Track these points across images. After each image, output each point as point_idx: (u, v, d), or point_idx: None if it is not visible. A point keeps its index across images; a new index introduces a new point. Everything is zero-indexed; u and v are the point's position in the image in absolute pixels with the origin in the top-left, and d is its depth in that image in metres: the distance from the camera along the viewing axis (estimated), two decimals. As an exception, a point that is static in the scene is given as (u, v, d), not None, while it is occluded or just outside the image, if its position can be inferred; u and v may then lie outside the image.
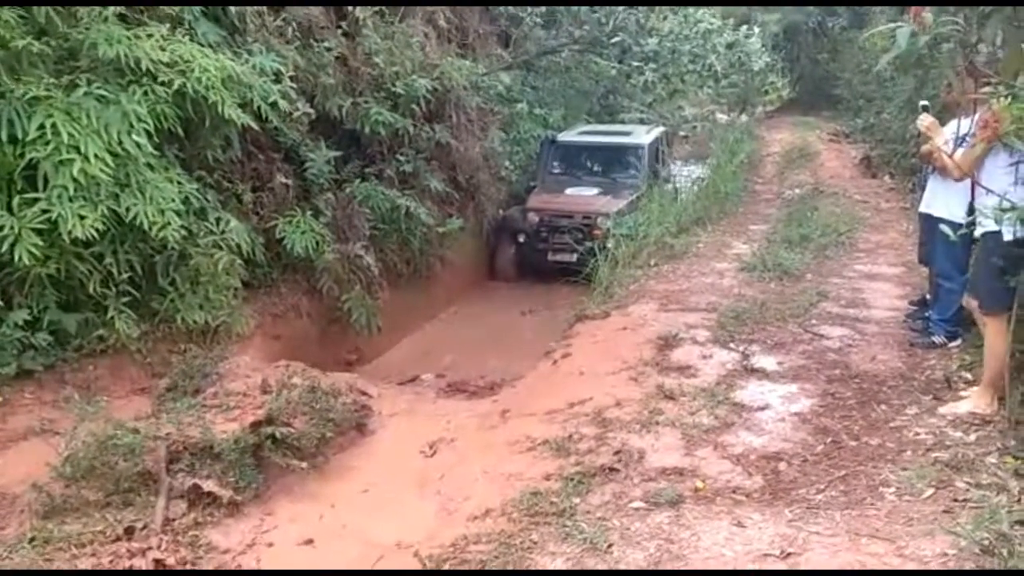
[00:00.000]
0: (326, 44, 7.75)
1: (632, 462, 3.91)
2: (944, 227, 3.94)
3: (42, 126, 4.55)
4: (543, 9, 11.72)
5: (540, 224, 10.16)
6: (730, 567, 3.04)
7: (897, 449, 3.93)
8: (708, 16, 11.72)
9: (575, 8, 11.82)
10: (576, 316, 6.53)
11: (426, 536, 3.55)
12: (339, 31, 8.19)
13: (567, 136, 11.47)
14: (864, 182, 12.65)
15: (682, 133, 15.41)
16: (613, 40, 10.99)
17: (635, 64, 10.88)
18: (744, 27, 11.41)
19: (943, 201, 5.16)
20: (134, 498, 3.60)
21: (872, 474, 3.70)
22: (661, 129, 12.24)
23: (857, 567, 2.96)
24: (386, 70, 8.33)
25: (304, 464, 4.02)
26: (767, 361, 5.16)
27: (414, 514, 3.82)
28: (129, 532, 3.39)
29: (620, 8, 11.05)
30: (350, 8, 8.33)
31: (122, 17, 5.38)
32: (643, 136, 11.37)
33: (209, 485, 3.65)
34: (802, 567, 3.00)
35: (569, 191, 10.57)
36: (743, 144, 14.67)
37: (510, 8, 11.89)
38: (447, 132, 9.06)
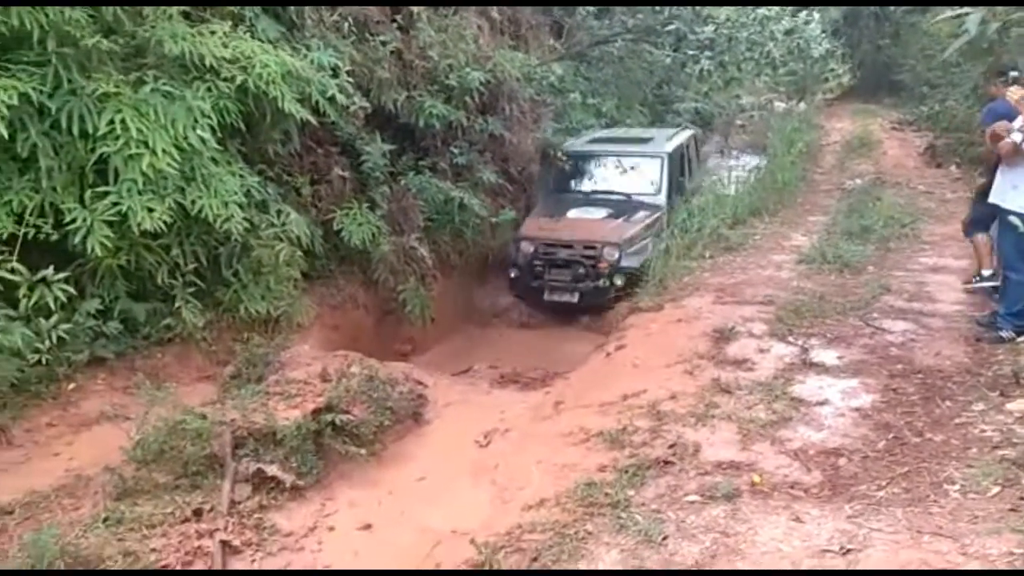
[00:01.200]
0: (382, 38, 7.83)
1: (687, 455, 3.90)
2: (1014, 218, 3.82)
3: (112, 121, 4.71)
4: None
5: (534, 256, 8.17)
6: (788, 563, 3.01)
7: (962, 446, 3.83)
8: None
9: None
10: (629, 308, 6.50)
11: (481, 524, 3.60)
12: (394, 25, 8.27)
13: (572, 145, 9.65)
14: (928, 172, 12.29)
15: (739, 122, 15.14)
16: (668, 28, 10.80)
17: (690, 53, 10.67)
18: (803, 13, 11.13)
19: (1015, 193, 4.98)
20: (201, 481, 3.73)
21: (936, 471, 3.61)
22: (688, 133, 10.43)
23: (919, 566, 2.90)
24: (440, 63, 8.38)
25: (363, 451, 4.10)
26: (827, 355, 5.07)
27: (469, 502, 3.87)
28: (197, 514, 3.51)
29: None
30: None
31: (186, 15, 5.53)
32: (664, 143, 9.50)
33: (272, 470, 3.75)
34: (862, 565, 2.95)
35: (571, 214, 8.60)
36: (801, 133, 14.37)
37: (563, -1, 11.83)
38: (500, 124, 9.09)
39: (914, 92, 17.14)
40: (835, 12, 19.71)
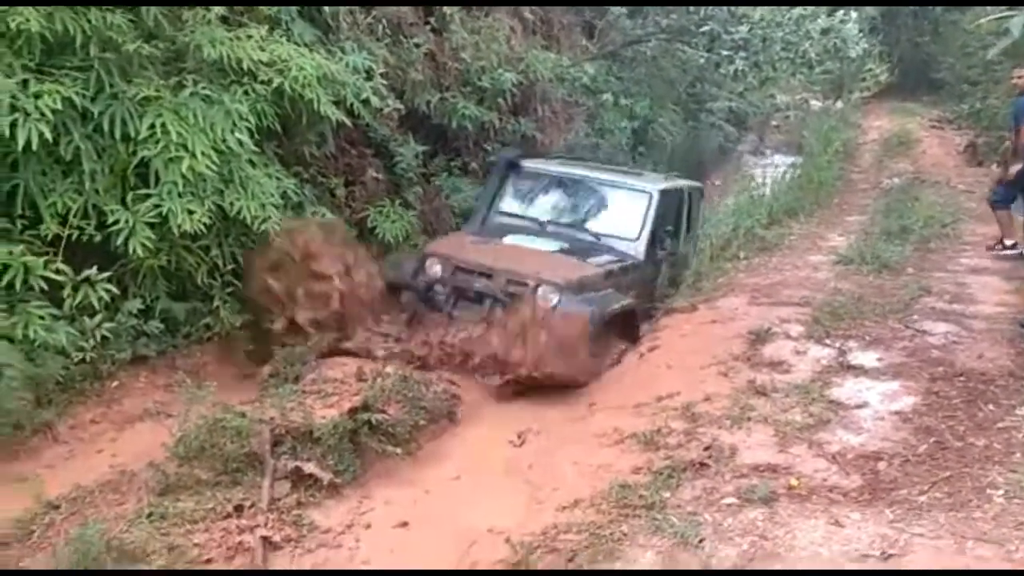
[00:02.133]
0: (415, 41, 7.89)
1: (723, 458, 3.87)
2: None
3: (152, 125, 4.78)
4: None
5: (439, 280, 5.94)
6: (827, 567, 2.97)
7: (1005, 450, 3.76)
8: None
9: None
10: (663, 310, 6.46)
11: (516, 524, 3.60)
12: (427, 27, 8.32)
13: (537, 163, 7.38)
14: (969, 171, 12.06)
15: (773, 123, 14.96)
16: (702, 29, 10.71)
17: (724, 53, 10.58)
18: (840, 12, 10.99)
19: None
20: (241, 478, 3.78)
21: (979, 476, 3.55)
22: (692, 185, 7.92)
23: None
24: (472, 65, 8.42)
25: (398, 450, 4.12)
26: (865, 358, 5.00)
27: (504, 502, 3.87)
28: (238, 510, 3.56)
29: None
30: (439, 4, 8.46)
31: (224, 19, 5.61)
32: (658, 182, 7.18)
33: (310, 467, 3.79)
34: (904, 569, 2.91)
35: (510, 239, 6.38)
36: (838, 132, 14.18)
37: (596, -2, 11.80)
38: (532, 125, 9.10)
39: (954, 90, 16.83)
40: (872, 10, 19.42)
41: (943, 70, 18.24)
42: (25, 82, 4.34)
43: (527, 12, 10.41)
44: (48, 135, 4.31)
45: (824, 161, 11.47)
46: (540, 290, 5.50)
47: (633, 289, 6.20)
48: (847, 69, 16.54)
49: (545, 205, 6.99)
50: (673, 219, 7.10)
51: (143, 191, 4.80)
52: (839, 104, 17.90)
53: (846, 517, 3.27)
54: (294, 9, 6.28)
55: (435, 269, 5.97)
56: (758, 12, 10.58)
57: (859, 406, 4.34)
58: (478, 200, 7.29)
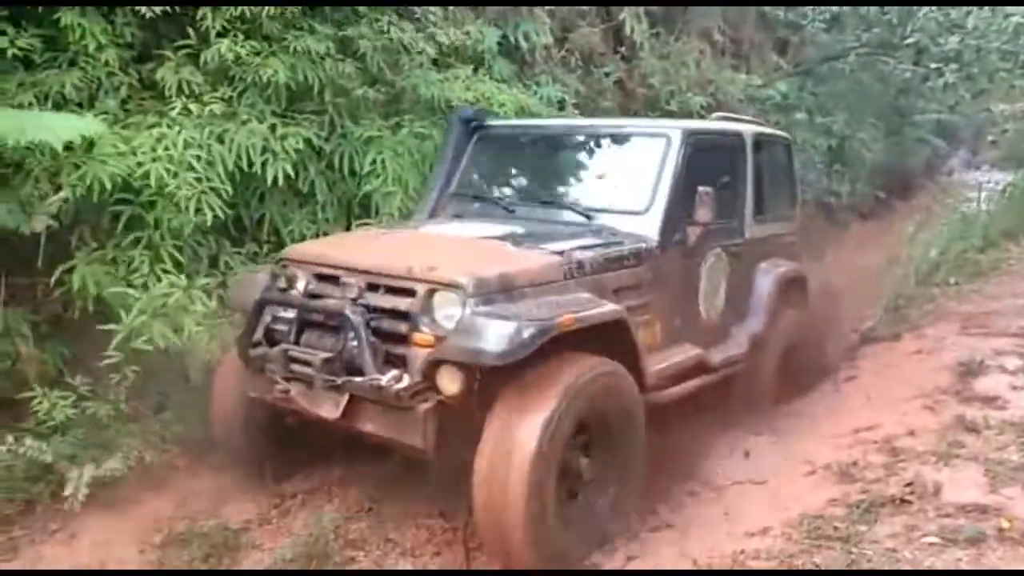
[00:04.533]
0: (605, 70, 8.15)
1: (926, 495, 3.71)
2: None
3: (374, 161, 5.36)
4: (826, 13, 11.20)
5: (276, 301, 3.73)
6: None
7: None
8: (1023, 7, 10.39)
9: (862, 9, 11.14)
10: (862, 337, 6.21)
11: (704, 549, 3.66)
12: (617, 56, 8.56)
13: (509, 121, 5.47)
14: None
15: (989, 137, 13.73)
16: (907, 41, 10.12)
17: (933, 66, 9.92)
18: (1070, 14, 9.94)
19: None
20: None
21: None
22: (762, 131, 5.23)
23: None
24: (661, 90, 8.54)
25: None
26: (1093, 396, 4.58)
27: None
28: (442, 514, 3.90)
29: (921, 8, 10.09)
30: (628, 31, 8.67)
31: (435, 62, 6.16)
32: (682, 123, 4.72)
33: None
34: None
35: (434, 228, 4.36)
36: (1068, 145, 12.81)
37: (789, 15, 11.51)
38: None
39: None
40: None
41: None
42: (273, 127, 5.03)
43: (716, 34, 10.39)
44: (291, 171, 4.97)
45: (1051, 177, 10.44)
46: (436, 299, 3.33)
47: (641, 294, 3.93)
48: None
49: (521, 177, 4.89)
50: (725, 182, 4.48)
51: (364, 221, 5.37)
52: (1072, 112, 16.07)
53: (1064, 566, 3.07)
54: (495, 48, 6.73)
55: (297, 279, 3.73)
56: (971, 21, 9.85)
57: (1084, 449, 4.00)
58: (431, 177, 5.04)
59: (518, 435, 3.08)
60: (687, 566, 3.41)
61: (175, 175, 4.40)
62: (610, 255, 3.85)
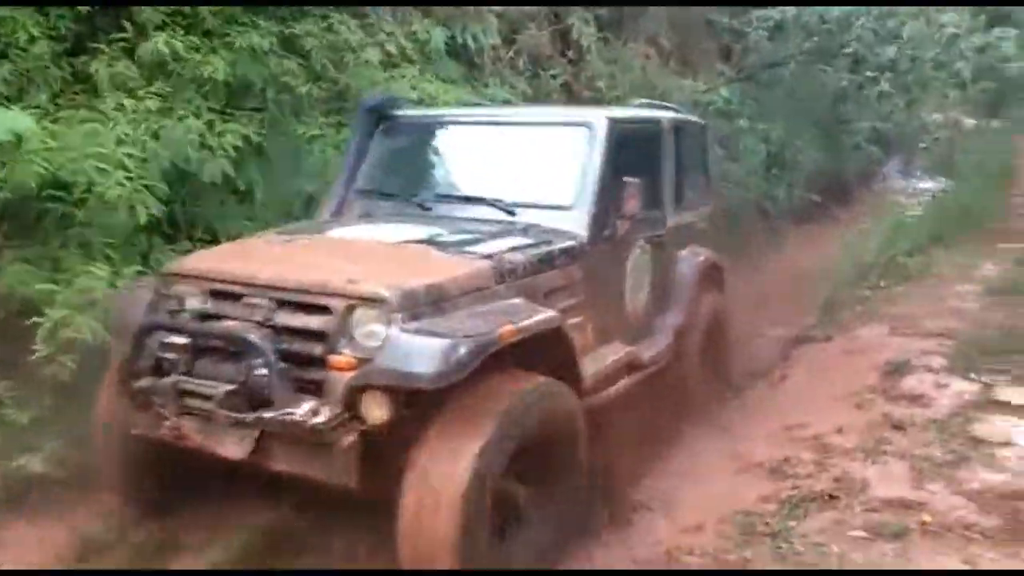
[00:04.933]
0: (552, 72, 8.21)
1: (854, 491, 3.84)
2: None
3: (316, 160, 5.31)
4: (769, 21, 11.47)
5: (165, 325, 3.18)
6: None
7: None
8: (955, 17, 10.80)
9: (804, 18, 11.43)
10: (796, 338, 6.38)
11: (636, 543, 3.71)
12: (564, 59, 8.63)
13: (419, 110, 5.05)
14: None
15: (921, 144, 14.21)
16: (845, 50, 10.42)
17: (869, 74, 10.22)
18: (998, 29, 10.35)
19: None
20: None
21: None
22: (677, 117, 5.00)
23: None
24: (607, 94, 8.64)
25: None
26: (1014, 394, 4.78)
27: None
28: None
29: (858, 16, 10.36)
30: (576, 35, 8.75)
31: (381, 61, 6.11)
32: (605, 112, 4.42)
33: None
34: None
35: (340, 232, 3.87)
36: (995, 153, 13.33)
37: (733, 22, 11.75)
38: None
39: None
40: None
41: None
42: (211, 123, 4.93)
43: (663, 39, 10.54)
44: (230, 170, 4.88)
45: (978, 184, 10.85)
46: (355, 316, 2.94)
47: (572, 294, 3.69)
48: (1007, 86, 15.49)
49: (435, 171, 4.46)
50: (649, 171, 4.31)
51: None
52: (996, 123, 16.74)
53: (981, 556, 3.20)
54: (442, 49, 6.71)
55: (188, 300, 3.22)
56: (906, 31, 10.20)
57: (1004, 444, 4.18)
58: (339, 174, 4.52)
59: (448, 469, 2.73)
60: (630, 565, 3.46)
61: (106, 174, 4.25)
62: (541, 255, 3.57)
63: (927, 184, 12.27)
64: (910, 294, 7.07)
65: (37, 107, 4.43)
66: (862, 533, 3.48)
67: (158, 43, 4.73)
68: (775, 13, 11.11)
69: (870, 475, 3.98)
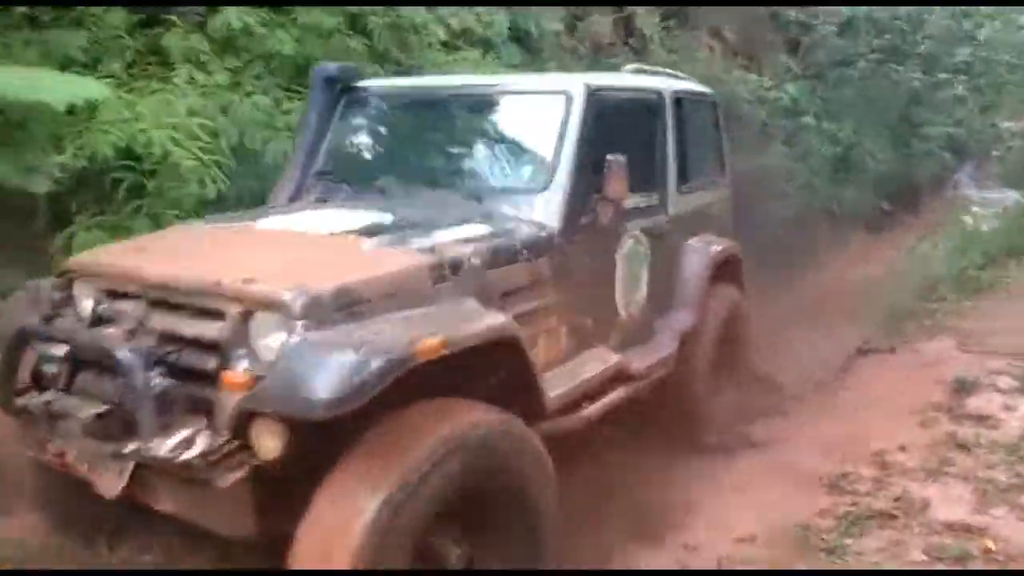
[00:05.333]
0: (613, 60, 8.07)
1: (914, 511, 3.72)
2: None
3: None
4: (839, 16, 11.12)
5: (37, 335, 2.67)
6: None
7: None
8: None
9: (875, 14, 11.06)
10: (857, 349, 6.17)
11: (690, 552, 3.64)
12: (626, 47, 8.49)
13: (384, 82, 4.41)
14: None
15: (995, 153, 13.66)
16: (918, 50, 10.03)
17: (943, 76, 9.82)
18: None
19: None
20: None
21: None
22: (682, 87, 4.40)
23: None
24: (670, 84, 8.47)
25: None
26: (1085, 421, 4.57)
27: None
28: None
29: (931, 12, 9.96)
30: (638, 24, 8.60)
31: (444, 43, 6.08)
32: (585, 79, 3.60)
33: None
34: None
35: (278, 220, 3.27)
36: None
37: (800, 15, 11.43)
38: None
39: None
40: None
41: None
42: (277, 101, 4.95)
43: (727, 32, 10.31)
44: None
45: (1054, 197, 10.40)
46: (253, 323, 2.42)
47: (539, 295, 3.12)
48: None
49: (399, 151, 3.97)
50: (644, 149, 3.84)
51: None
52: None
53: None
54: (506, 33, 6.64)
55: (81, 302, 2.80)
56: (983, 33, 9.79)
57: (1076, 472, 4.00)
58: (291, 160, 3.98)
59: (344, 518, 2.16)
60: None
61: (180, 144, 4.28)
62: (496, 247, 2.95)
63: (999, 194, 11.78)
64: (980, 309, 6.80)
65: (111, 77, 4.50)
66: (921, 556, 3.36)
67: (230, 16, 4.75)
68: (845, 9, 10.79)
69: (931, 496, 3.85)
